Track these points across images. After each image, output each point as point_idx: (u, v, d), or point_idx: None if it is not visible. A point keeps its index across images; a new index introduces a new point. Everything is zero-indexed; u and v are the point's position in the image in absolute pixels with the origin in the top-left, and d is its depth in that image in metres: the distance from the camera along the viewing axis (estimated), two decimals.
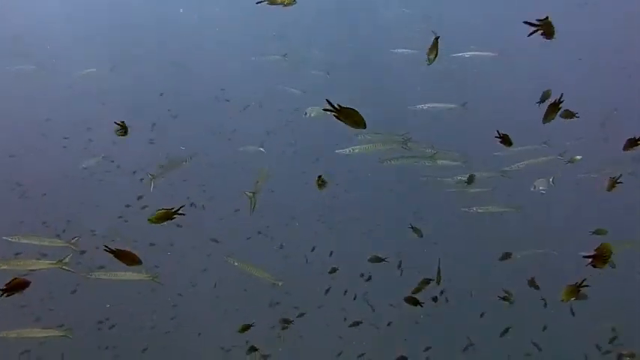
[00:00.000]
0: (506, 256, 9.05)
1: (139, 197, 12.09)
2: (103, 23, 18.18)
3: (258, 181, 7.19)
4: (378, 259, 8.64)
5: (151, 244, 11.83)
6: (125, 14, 18.78)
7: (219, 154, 14.96)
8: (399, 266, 10.76)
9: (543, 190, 9.28)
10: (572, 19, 16.48)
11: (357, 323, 10.54)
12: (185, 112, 15.84)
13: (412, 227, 9.27)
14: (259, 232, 13.98)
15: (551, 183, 9.35)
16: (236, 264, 8.05)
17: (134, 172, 13.26)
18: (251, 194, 6.99)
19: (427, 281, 7.05)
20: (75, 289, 11.49)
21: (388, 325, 12.04)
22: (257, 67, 16.26)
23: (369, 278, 10.91)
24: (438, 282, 7.13)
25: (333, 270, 9.95)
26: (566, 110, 5.84)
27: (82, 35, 17.20)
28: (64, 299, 11.70)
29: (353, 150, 8.18)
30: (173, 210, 4.53)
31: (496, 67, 15.56)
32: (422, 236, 9.26)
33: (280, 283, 8.28)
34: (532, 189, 9.46)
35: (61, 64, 15.84)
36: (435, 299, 8.95)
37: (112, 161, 13.73)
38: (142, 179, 13.29)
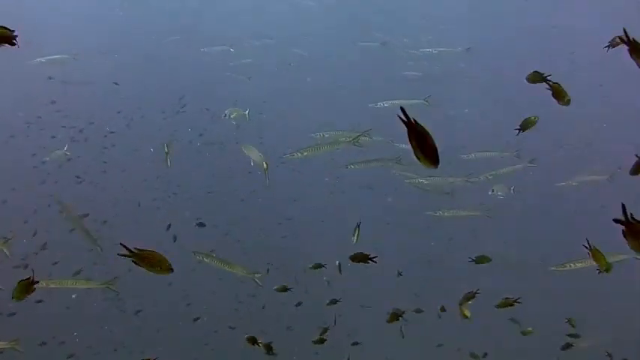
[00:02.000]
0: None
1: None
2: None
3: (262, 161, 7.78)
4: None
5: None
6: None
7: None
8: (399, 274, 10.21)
9: (501, 195, 9.36)
10: (560, 15, 16.50)
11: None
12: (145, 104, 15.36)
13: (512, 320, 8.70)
14: (226, 234, 13.59)
15: (511, 191, 9.42)
16: (206, 260, 7.60)
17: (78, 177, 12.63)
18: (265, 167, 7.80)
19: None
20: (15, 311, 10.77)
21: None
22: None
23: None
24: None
25: (284, 288, 9.15)
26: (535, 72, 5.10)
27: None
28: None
29: (302, 153, 7.92)
30: (32, 280, 4.63)
31: (466, 65, 15.48)
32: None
33: (257, 276, 7.81)
34: (490, 193, 9.51)
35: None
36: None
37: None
38: (80, 181, 12.85)
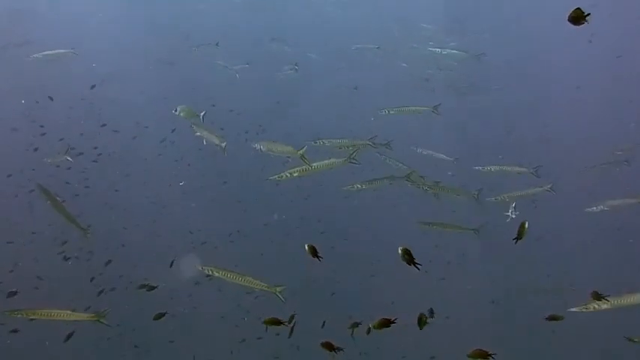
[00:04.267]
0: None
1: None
2: None
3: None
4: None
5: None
6: None
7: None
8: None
9: (514, 215, 8.94)
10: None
11: None
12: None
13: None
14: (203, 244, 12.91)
15: (513, 208, 9.01)
16: (217, 274, 6.87)
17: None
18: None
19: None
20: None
21: None
22: None
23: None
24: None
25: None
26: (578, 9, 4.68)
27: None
28: None
29: (292, 174, 7.24)
30: None
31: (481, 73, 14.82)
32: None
33: (279, 289, 6.93)
34: (513, 215, 9.00)
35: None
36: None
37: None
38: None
